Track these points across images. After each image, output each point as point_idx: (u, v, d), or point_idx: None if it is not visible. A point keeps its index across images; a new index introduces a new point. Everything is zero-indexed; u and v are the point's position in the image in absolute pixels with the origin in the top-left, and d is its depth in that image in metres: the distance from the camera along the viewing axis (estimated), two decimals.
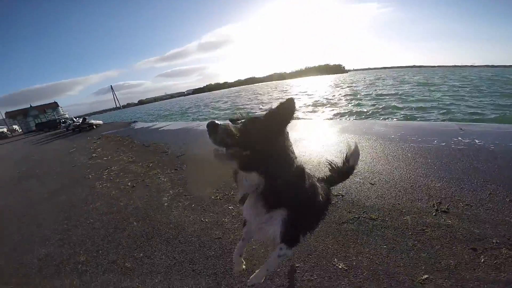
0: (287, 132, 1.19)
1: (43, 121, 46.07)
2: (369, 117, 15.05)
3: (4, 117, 63.05)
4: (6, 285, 3.19)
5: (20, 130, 57.96)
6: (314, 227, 1.72)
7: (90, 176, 7.57)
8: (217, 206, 4.20)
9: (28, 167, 11.04)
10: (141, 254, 3.40)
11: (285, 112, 1.09)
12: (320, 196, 1.43)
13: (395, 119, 12.93)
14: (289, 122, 1.13)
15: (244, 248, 1.80)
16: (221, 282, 2.43)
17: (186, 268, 2.95)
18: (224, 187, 4.83)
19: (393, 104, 18.56)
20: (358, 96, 25.48)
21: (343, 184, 3.49)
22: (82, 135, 19.31)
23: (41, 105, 60.54)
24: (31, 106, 59.55)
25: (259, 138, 1.06)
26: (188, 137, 10.33)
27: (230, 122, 1.13)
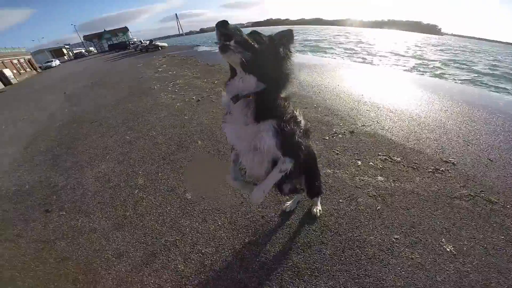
0: (290, 55, 1.20)
1: (115, 43, 49.84)
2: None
3: (82, 40, 71.36)
4: (62, 210, 2.94)
5: (95, 50, 65.59)
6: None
7: (155, 87, 7.29)
8: None
9: (100, 78, 11.60)
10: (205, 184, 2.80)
11: (286, 38, 1.17)
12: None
13: None
14: (288, 47, 1.17)
15: (238, 171, 1.57)
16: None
17: (254, 213, 2.37)
18: None
19: None
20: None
21: (453, 150, 3.11)
22: (148, 55, 19.94)
23: (113, 29, 65.70)
24: (104, 30, 65.90)
25: (264, 49, 1.11)
26: None
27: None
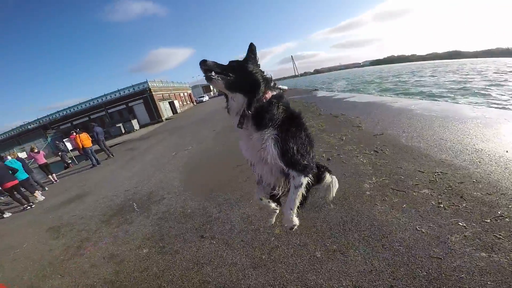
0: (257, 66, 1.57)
1: None
2: None
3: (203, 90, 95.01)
4: (213, 239, 3.63)
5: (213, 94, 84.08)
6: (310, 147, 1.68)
7: None
8: (440, 217, 3.03)
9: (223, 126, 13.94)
10: (335, 247, 2.91)
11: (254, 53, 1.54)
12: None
13: None
14: (256, 61, 1.57)
15: (263, 192, 1.88)
16: None
17: (384, 282, 2.31)
18: (449, 194, 3.40)
19: None
20: None
21: None
22: None
23: None
24: None
25: (239, 69, 1.44)
26: (382, 113, 8.53)
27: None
